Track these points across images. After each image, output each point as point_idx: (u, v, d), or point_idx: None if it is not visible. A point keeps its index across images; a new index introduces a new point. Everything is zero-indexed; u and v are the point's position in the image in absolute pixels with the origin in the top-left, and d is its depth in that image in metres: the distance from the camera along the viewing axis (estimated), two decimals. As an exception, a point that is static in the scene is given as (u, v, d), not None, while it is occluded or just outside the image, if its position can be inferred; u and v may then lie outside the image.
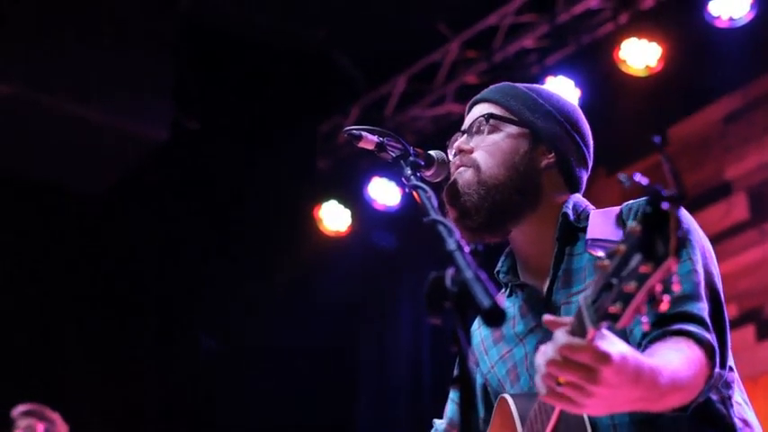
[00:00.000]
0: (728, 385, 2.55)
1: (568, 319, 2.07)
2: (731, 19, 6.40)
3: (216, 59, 8.22)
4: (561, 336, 2.04)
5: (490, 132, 2.78)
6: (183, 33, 7.86)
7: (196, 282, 8.16)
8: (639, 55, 6.74)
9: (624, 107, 7.19)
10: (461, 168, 2.74)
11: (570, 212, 2.70)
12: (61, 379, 7.71)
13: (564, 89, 7.05)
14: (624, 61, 6.76)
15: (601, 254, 2.05)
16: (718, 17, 6.42)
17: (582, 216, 2.70)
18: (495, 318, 1.87)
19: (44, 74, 7.31)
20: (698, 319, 2.38)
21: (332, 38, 8.20)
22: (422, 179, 2.57)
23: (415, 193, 2.43)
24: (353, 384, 8.46)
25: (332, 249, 8.23)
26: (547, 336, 2.22)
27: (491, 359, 2.80)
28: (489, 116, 2.78)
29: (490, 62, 7.61)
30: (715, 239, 2.93)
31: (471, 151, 2.76)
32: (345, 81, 8.40)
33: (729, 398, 2.56)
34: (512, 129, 2.77)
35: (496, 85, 2.91)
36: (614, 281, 1.92)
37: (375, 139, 2.68)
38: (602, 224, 2.59)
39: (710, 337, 2.37)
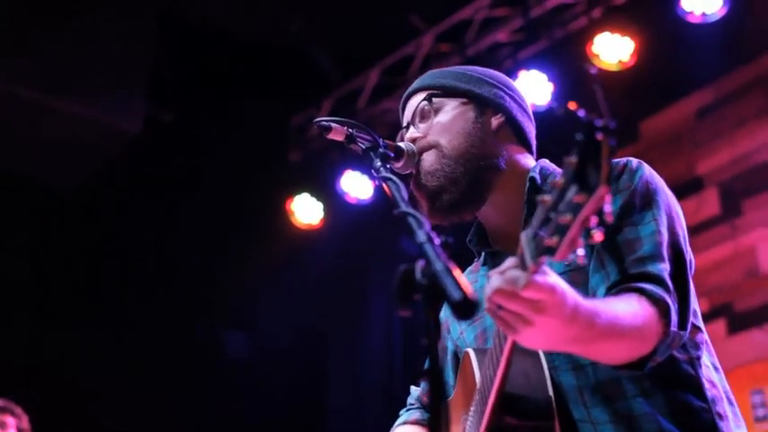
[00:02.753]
0: (697, 346, 2.57)
1: (512, 259, 2.08)
2: (704, 14, 6.42)
3: (190, 52, 8.18)
4: (506, 271, 2.06)
5: (436, 113, 2.81)
6: (157, 26, 7.82)
7: (167, 275, 8.12)
8: (612, 49, 6.75)
9: (596, 101, 7.18)
10: (423, 154, 2.76)
11: (537, 176, 2.71)
12: (38, 375, 7.69)
13: (537, 83, 7.07)
14: (597, 56, 6.77)
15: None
16: (690, 12, 6.44)
17: (549, 179, 2.69)
18: (465, 310, 1.86)
19: (17, 67, 7.26)
20: (656, 279, 2.40)
21: (305, 31, 8.17)
22: (392, 171, 2.56)
23: (384, 184, 2.42)
24: (325, 378, 8.44)
25: (304, 242, 8.22)
26: None
27: (461, 326, 2.84)
28: (430, 96, 2.82)
29: (463, 56, 7.60)
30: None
31: (425, 136, 2.79)
32: (318, 74, 8.37)
33: (698, 358, 2.57)
34: (454, 102, 2.82)
35: (422, 75, 2.96)
36: (552, 215, 1.93)
37: (344, 130, 2.67)
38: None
39: (667, 296, 2.38)
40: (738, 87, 6.86)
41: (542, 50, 7.31)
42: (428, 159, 2.75)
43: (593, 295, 2.47)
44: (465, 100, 2.82)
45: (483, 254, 2.87)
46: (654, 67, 6.83)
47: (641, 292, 2.36)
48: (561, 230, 1.90)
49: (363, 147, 2.65)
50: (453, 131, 2.76)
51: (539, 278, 2.04)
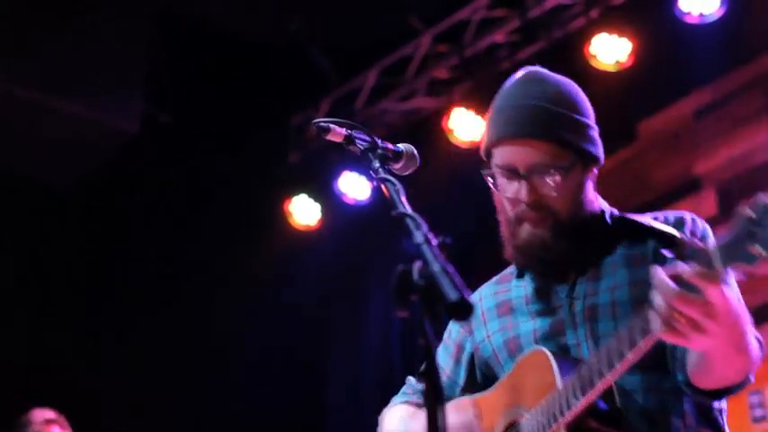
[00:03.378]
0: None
1: (684, 266, 2.21)
2: (701, 15, 6.42)
3: (188, 53, 8.18)
4: (689, 276, 2.18)
5: (551, 175, 2.69)
6: (155, 26, 7.82)
7: (165, 275, 8.12)
8: (610, 50, 6.76)
9: (594, 102, 7.19)
10: (536, 229, 2.71)
11: (608, 217, 2.78)
12: (37, 374, 7.69)
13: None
14: (595, 56, 6.78)
15: (671, 231, 2.48)
16: (688, 13, 6.44)
17: (614, 220, 2.80)
18: (461, 311, 1.87)
19: (16, 67, 7.26)
20: None
21: (303, 31, 8.17)
22: (390, 172, 2.54)
23: (383, 185, 2.41)
24: (324, 378, 8.44)
25: (302, 243, 8.22)
26: (555, 318, 2.66)
27: (489, 329, 2.87)
28: (559, 168, 2.68)
29: (461, 57, 7.61)
30: (684, 235, 2.97)
31: (539, 199, 2.69)
32: (316, 74, 8.37)
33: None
34: (565, 163, 2.70)
35: (520, 107, 2.74)
36: (757, 229, 2.11)
37: (343, 131, 2.66)
38: (643, 222, 2.73)
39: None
40: (736, 88, 6.86)
41: (540, 51, 7.32)
42: (543, 229, 2.70)
43: None
44: (577, 161, 2.71)
45: (524, 271, 2.87)
46: (652, 67, 6.84)
47: None
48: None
49: (362, 148, 2.63)
50: (569, 201, 2.70)
51: (724, 286, 2.18)
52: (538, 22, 7.27)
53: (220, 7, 8.05)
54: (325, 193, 8.15)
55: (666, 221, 2.73)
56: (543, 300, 2.79)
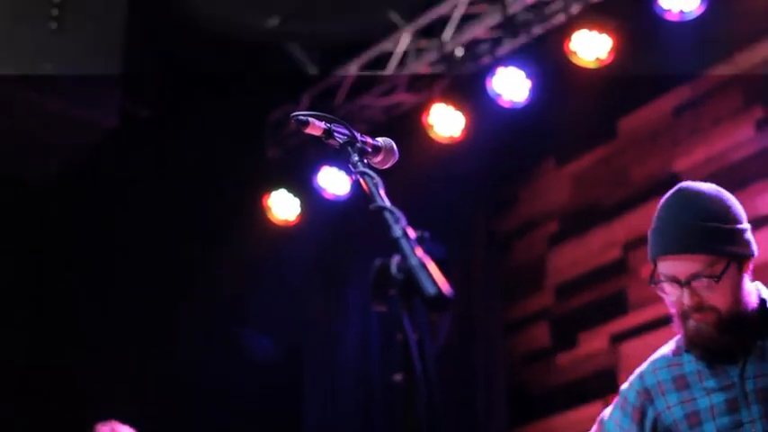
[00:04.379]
0: None
1: None
2: (681, 12, 6.42)
3: (167, 48, 8.14)
4: None
5: (709, 281, 2.97)
6: (132, 20, 7.77)
7: (143, 271, 8.09)
8: (590, 47, 6.75)
9: (574, 99, 7.21)
10: (702, 323, 2.99)
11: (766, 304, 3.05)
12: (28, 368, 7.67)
13: (515, 80, 7.08)
14: (575, 53, 6.78)
15: None
16: (668, 10, 6.44)
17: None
18: (438, 305, 1.85)
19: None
20: None
21: (283, 26, 8.14)
22: (369, 166, 2.53)
23: (361, 179, 2.40)
24: (300, 375, 8.44)
25: (281, 237, 8.20)
26: (729, 396, 2.96)
27: (668, 401, 3.11)
28: (714, 276, 2.96)
29: (442, 52, 7.60)
30: (661, 233, 3.06)
31: (700, 302, 2.98)
32: (296, 70, 8.35)
33: None
34: (719, 269, 2.96)
35: (677, 226, 3.03)
36: None
37: (322, 125, 2.64)
38: None
39: None
40: (716, 85, 6.88)
41: (521, 47, 7.31)
42: (708, 328, 2.99)
43: None
44: (733, 265, 2.99)
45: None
46: (631, 64, 6.84)
47: None
48: None
49: (341, 141, 2.61)
50: (730, 301, 2.99)
51: None
52: (519, 17, 7.27)
53: (200, 2, 8.01)
54: (304, 188, 8.13)
55: None
56: (717, 378, 3.04)
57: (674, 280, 3.00)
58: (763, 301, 3.06)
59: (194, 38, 8.09)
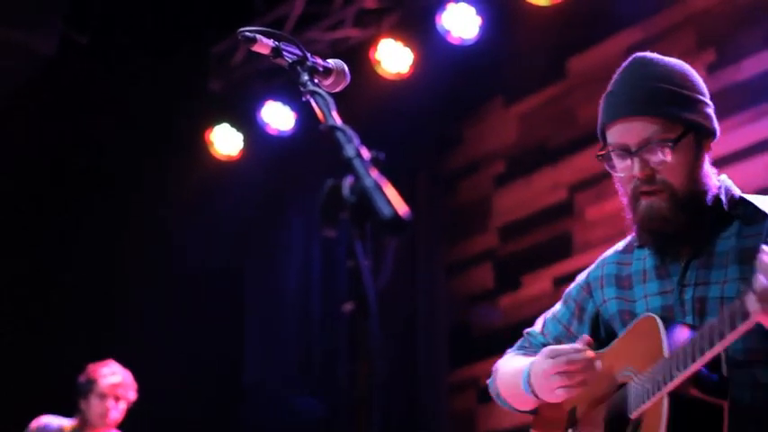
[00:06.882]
0: None
1: None
2: (635, -49, 6.35)
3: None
4: None
5: (663, 149, 2.75)
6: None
7: (81, 207, 7.94)
8: (543, -16, 6.66)
9: (525, 37, 7.13)
10: (653, 200, 2.77)
11: (723, 197, 2.80)
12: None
13: (465, 16, 6.98)
14: (527, -11, 6.68)
15: None
16: (621, -52, 6.36)
17: (730, 200, 2.81)
18: (396, 227, 1.74)
19: None
20: None
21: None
22: (319, 87, 2.42)
23: (312, 99, 2.30)
24: (241, 307, 8.40)
25: (223, 173, 8.08)
26: (666, 302, 2.77)
27: (605, 295, 2.97)
28: (668, 141, 2.74)
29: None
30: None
31: (651, 173, 2.75)
32: (242, 2, 8.18)
33: None
34: (674, 136, 2.76)
35: (630, 87, 2.82)
36: None
37: (270, 42, 2.54)
38: (760, 207, 2.76)
39: None
40: (667, 27, 6.80)
41: (472, -16, 7.20)
42: (660, 204, 2.75)
43: None
44: (690, 135, 2.77)
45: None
46: (583, 4, 6.76)
47: None
48: None
49: (290, 61, 2.51)
50: (685, 176, 2.75)
51: None
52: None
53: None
54: (247, 122, 8.01)
55: None
56: (660, 281, 2.85)
57: (624, 149, 2.77)
58: (720, 190, 2.82)
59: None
